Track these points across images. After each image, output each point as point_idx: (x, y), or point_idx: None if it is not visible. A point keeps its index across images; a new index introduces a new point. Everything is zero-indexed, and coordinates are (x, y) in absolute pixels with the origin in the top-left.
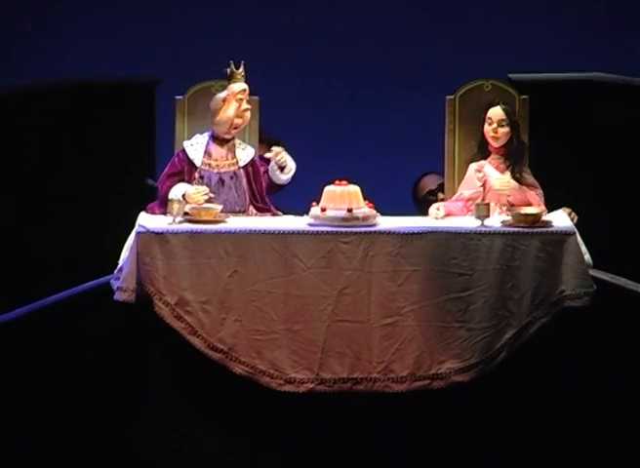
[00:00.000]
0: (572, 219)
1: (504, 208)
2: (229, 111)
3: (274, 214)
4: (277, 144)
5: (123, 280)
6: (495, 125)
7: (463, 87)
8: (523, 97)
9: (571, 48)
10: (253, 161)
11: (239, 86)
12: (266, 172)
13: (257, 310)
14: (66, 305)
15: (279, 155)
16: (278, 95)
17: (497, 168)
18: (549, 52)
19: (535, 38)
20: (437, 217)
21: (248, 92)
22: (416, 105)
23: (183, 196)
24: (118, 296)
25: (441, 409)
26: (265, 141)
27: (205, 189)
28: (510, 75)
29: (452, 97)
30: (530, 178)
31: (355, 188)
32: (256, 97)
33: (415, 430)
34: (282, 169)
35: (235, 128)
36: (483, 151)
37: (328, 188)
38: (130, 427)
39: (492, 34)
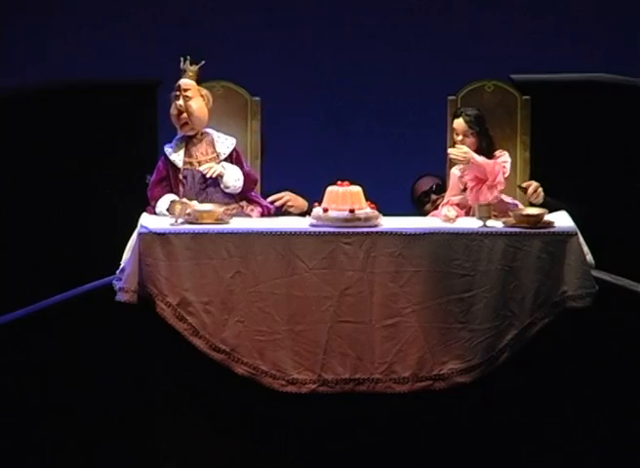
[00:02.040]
0: (537, 196)
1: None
2: (171, 109)
3: (264, 207)
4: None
5: (125, 281)
6: (460, 137)
7: (465, 87)
8: (525, 97)
9: (574, 48)
10: (233, 152)
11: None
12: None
13: (259, 311)
14: (68, 306)
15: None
16: (280, 95)
17: None
18: (552, 52)
19: (537, 38)
20: (449, 219)
21: (186, 86)
22: (418, 106)
23: (168, 210)
24: (120, 297)
25: (443, 410)
26: None
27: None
28: (513, 76)
29: (454, 97)
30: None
31: (357, 189)
32: (257, 98)
33: (417, 431)
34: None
35: (184, 124)
36: None
37: (330, 189)
38: (131, 428)
39: (494, 34)
